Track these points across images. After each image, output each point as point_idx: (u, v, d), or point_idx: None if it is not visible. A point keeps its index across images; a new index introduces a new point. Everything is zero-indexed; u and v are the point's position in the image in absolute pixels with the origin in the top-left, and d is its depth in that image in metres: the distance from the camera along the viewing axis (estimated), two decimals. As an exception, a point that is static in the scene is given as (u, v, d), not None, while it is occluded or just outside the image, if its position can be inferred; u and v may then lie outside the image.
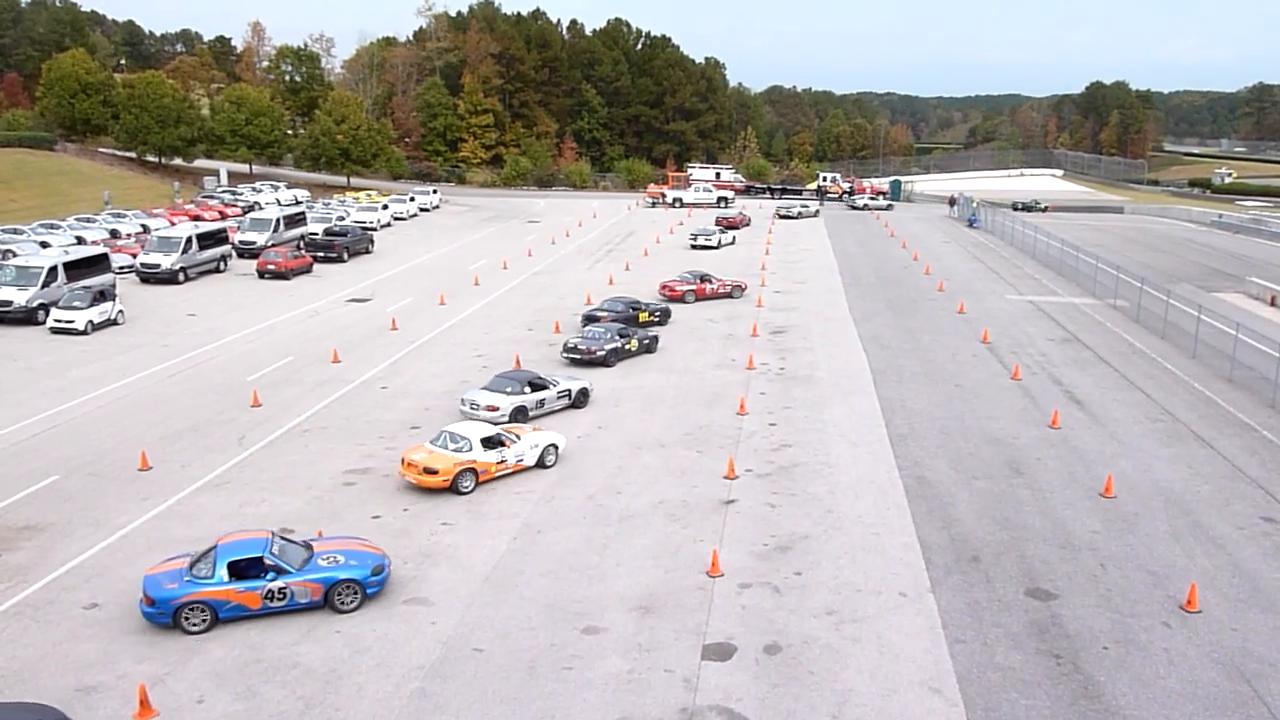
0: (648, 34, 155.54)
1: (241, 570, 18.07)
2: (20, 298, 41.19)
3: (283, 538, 19.35)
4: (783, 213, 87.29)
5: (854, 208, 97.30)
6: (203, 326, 41.72)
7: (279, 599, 18.20)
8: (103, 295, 41.57)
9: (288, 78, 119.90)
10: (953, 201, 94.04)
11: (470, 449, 24.44)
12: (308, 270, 54.69)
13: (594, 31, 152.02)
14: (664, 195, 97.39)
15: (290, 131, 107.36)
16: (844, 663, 16.83)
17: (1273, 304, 50.45)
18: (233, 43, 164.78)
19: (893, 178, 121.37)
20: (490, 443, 24.83)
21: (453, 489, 23.87)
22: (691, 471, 25.58)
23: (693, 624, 18.04)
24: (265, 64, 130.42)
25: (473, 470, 24.29)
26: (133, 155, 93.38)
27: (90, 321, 40.06)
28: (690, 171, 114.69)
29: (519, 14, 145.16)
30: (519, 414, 29.32)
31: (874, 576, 19.86)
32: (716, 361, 36.75)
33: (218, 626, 17.74)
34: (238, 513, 22.83)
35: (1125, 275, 48.43)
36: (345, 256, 58.88)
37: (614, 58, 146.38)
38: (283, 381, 33.68)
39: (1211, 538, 21.84)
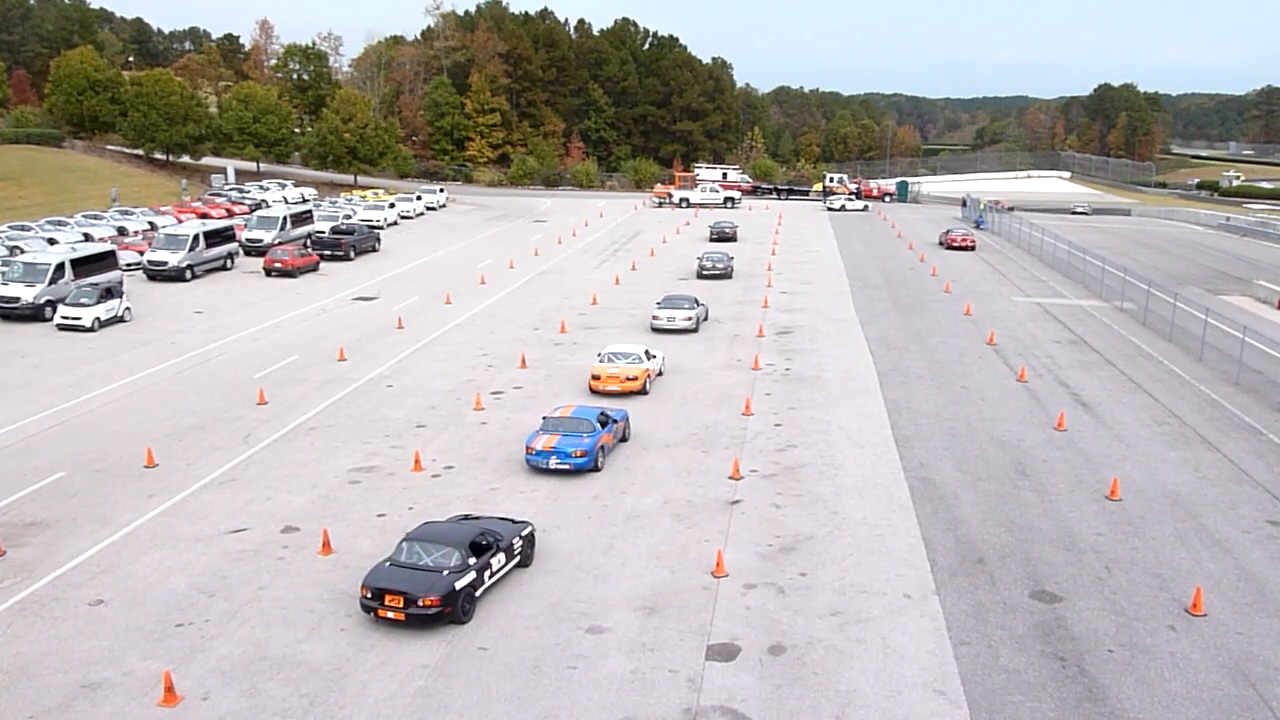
0: (655, 34, 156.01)
1: (604, 422, 26.05)
2: (28, 294, 41.35)
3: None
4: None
5: (830, 209, 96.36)
6: (209, 324, 41.81)
7: (617, 437, 26.72)
8: (110, 292, 41.66)
9: (295, 76, 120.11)
10: (965, 203, 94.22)
11: (642, 361, 32.55)
12: (314, 268, 54.78)
13: (601, 31, 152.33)
14: (670, 195, 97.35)
15: (298, 130, 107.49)
16: (848, 664, 16.81)
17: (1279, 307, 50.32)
18: (241, 41, 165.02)
19: (899, 179, 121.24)
20: (648, 355, 33.25)
21: (643, 390, 31.81)
22: (697, 472, 25.57)
23: (697, 624, 18.04)
24: (273, 62, 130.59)
25: (649, 376, 32.40)
26: (140, 153, 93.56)
27: (97, 318, 40.17)
28: (697, 171, 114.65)
29: (527, 14, 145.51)
30: (700, 322, 41.71)
31: (879, 578, 19.83)
32: (723, 362, 36.73)
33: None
34: (243, 510, 22.88)
35: (1132, 278, 48.32)
36: (352, 255, 58.96)
37: (621, 57, 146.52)
38: (288, 379, 33.74)
39: (1217, 541, 21.78)
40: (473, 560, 18.23)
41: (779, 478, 25.20)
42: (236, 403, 30.99)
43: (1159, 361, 37.68)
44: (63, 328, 39.92)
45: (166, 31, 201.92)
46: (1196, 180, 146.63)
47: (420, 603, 17.23)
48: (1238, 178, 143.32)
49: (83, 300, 40.45)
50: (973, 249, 68.60)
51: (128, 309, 42.14)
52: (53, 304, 41.38)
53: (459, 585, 17.66)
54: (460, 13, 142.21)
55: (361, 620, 18.07)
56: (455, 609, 17.55)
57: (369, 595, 17.67)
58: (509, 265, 58.20)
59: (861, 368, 36.11)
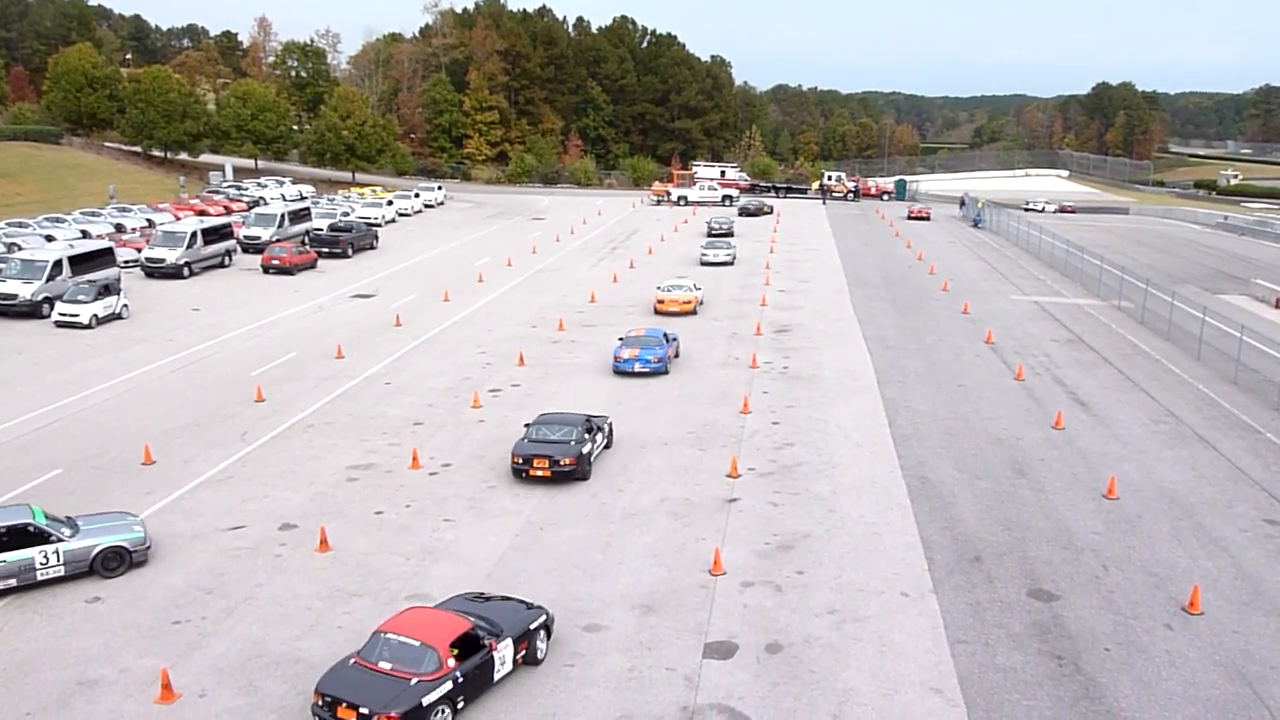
0: (653, 32, 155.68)
1: (667, 339, 35.19)
2: (25, 291, 41.27)
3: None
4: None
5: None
6: (207, 321, 41.77)
7: (675, 353, 35.56)
8: (107, 289, 41.60)
9: (294, 73, 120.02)
10: (962, 203, 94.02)
11: (693, 291, 43.92)
12: (312, 266, 54.72)
13: (600, 29, 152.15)
14: (669, 193, 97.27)
15: (296, 127, 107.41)
16: (845, 662, 16.83)
17: (1277, 306, 50.34)
18: (239, 38, 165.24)
19: (898, 177, 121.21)
20: (695, 287, 44.80)
21: (693, 311, 43.05)
22: (694, 470, 25.59)
23: (694, 622, 18.05)
24: (271, 59, 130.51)
25: (698, 301, 43.80)
26: (138, 150, 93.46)
27: (95, 315, 40.12)
28: (695, 170, 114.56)
29: (525, 11, 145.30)
30: (734, 259, 56.93)
31: (876, 576, 19.85)
32: (721, 360, 36.73)
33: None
34: (240, 508, 22.87)
35: (1130, 276, 48.33)
36: (350, 252, 58.89)
37: (620, 55, 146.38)
38: (286, 377, 33.72)
39: (1214, 540, 21.81)
40: (587, 435, 24.81)
41: (776, 476, 25.22)
42: (234, 400, 30.97)
43: (1156, 360, 37.71)
44: (60, 324, 39.86)
45: (164, 28, 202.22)
46: (1193, 180, 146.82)
47: (561, 463, 23.78)
48: (1235, 176, 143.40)
49: (80, 297, 40.39)
50: (928, 219, 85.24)
51: (125, 306, 42.09)
52: (50, 301, 41.29)
53: (584, 451, 24.36)
54: (458, 10, 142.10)
55: (360, 618, 18.06)
56: (583, 468, 24.23)
57: (520, 461, 24.04)
58: (507, 263, 58.17)
59: (859, 366, 36.12)
